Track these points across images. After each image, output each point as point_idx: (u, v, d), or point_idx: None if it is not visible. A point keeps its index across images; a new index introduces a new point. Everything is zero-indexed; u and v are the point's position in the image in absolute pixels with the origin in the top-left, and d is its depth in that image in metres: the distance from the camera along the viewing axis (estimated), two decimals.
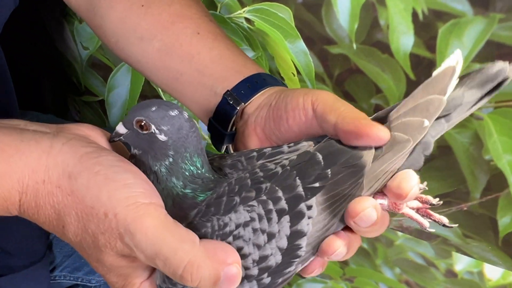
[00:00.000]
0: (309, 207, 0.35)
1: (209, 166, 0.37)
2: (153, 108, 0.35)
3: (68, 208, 0.34)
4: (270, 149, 0.38)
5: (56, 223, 0.35)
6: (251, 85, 0.46)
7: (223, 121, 0.46)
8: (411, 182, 0.35)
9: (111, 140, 0.37)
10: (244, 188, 0.35)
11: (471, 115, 0.41)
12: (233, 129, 0.46)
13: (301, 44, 0.64)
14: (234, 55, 0.49)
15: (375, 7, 0.58)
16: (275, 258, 0.35)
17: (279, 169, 0.36)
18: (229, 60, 0.49)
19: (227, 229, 0.34)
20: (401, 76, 0.60)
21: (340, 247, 0.36)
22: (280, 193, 0.35)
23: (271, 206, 0.35)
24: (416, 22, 0.57)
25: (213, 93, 0.48)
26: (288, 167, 0.36)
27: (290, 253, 0.35)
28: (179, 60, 0.50)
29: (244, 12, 0.66)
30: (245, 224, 0.34)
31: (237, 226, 0.34)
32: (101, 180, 0.33)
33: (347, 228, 0.37)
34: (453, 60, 0.36)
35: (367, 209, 0.35)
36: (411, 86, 0.60)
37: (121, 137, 0.37)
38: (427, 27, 0.57)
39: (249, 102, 0.45)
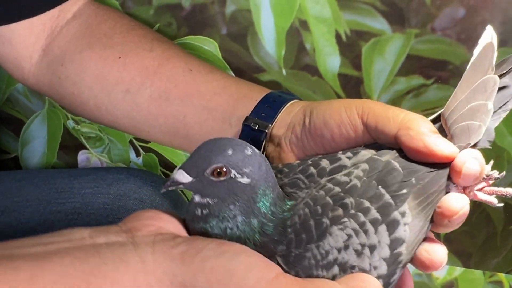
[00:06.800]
0: (402, 214, 0.34)
1: (283, 195, 0.34)
2: (230, 152, 0.32)
3: None
4: (327, 162, 0.36)
5: None
6: (270, 105, 0.43)
7: None
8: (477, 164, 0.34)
9: (165, 189, 0.33)
10: (328, 207, 0.33)
11: None
12: (264, 154, 0.43)
13: (231, 74, 0.64)
14: (236, 83, 0.47)
15: (299, 32, 0.60)
16: (381, 270, 0.33)
17: (356, 182, 0.34)
18: (232, 88, 0.46)
19: (330, 257, 0.33)
20: (332, 95, 0.62)
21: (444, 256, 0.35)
22: (368, 204, 0.33)
23: (363, 218, 0.33)
24: (340, 43, 0.59)
25: (228, 125, 0.44)
26: (365, 178, 0.34)
27: (393, 261, 0.34)
28: (178, 101, 0.46)
29: None
30: (345, 246, 0.33)
31: (339, 251, 0.33)
32: (222, 275, 0.31)
33: None
34: (488, 36, 0.37)
35: (465, 208, 0.34)
36: None
37: (181, 186, 0.33)
38: (351, 47, 0.59)
39: (274, 122, 0.42)
